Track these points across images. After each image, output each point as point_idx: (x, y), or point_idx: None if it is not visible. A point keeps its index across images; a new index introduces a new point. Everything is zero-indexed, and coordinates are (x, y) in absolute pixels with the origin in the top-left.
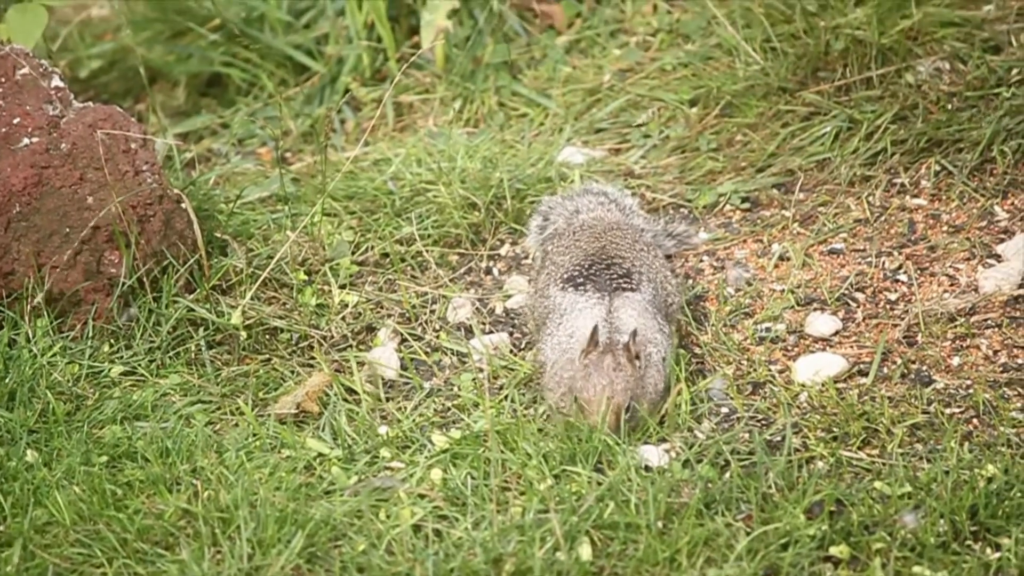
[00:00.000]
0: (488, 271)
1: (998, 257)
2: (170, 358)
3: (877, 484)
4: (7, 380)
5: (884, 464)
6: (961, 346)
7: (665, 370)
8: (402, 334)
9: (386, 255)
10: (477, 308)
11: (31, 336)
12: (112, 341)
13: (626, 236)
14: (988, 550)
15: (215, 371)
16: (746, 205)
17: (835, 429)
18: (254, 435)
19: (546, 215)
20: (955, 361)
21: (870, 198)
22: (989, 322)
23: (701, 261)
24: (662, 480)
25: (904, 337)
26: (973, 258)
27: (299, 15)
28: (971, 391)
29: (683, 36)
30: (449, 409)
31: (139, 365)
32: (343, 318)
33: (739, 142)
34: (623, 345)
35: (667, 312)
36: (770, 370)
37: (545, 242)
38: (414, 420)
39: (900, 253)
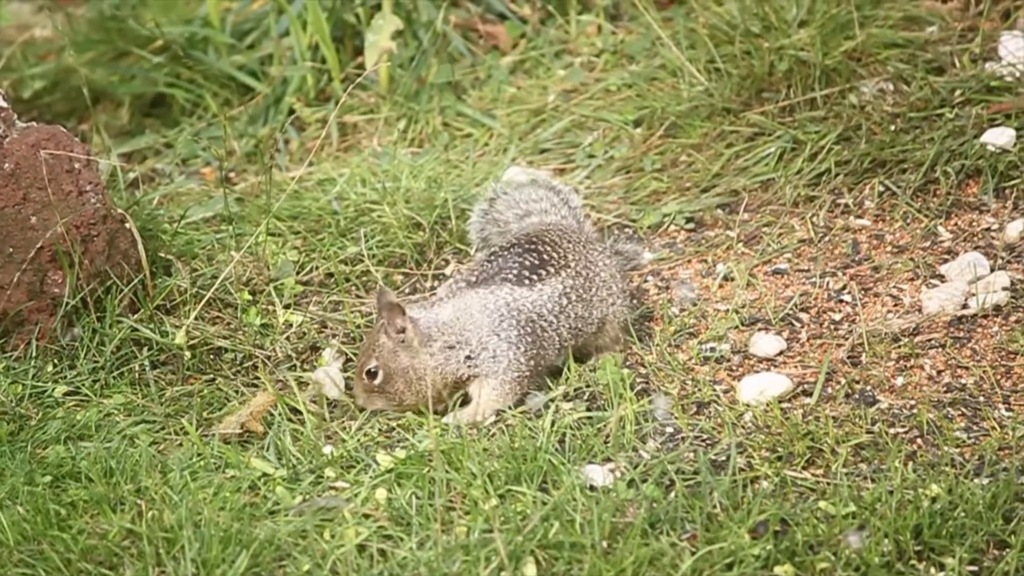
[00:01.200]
0: (433, 291)
1: (942, 277)
2: (114, 378)
3: (822, 504)
4: None
5: (828, 484)
6: (905, 366)
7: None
8: (347, 354)
9: (331, 275)
10: None
11: None
12: (56, 361)
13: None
14: (932, 570)
15: (159, 391)
16: (691, 225)
17: (780, 449)
18: (198, 455)
19: (492, 201)
20: (899, 381)
21: (814, 218)
22: (933, 342)
23: (646, 281)
24: (607, 500)
25: (848, 357)
26: (917, 278)
27: (243, 36)
28: (915, 411)
29: (627, 57)
30: (394, 429)
31: (83, 385)
32: (287, 338)
33: (684, 162)
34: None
35: (601, 322)
36: (715, 390)
37: (486, 228)
38: (359, 440)
39: (844, 273)
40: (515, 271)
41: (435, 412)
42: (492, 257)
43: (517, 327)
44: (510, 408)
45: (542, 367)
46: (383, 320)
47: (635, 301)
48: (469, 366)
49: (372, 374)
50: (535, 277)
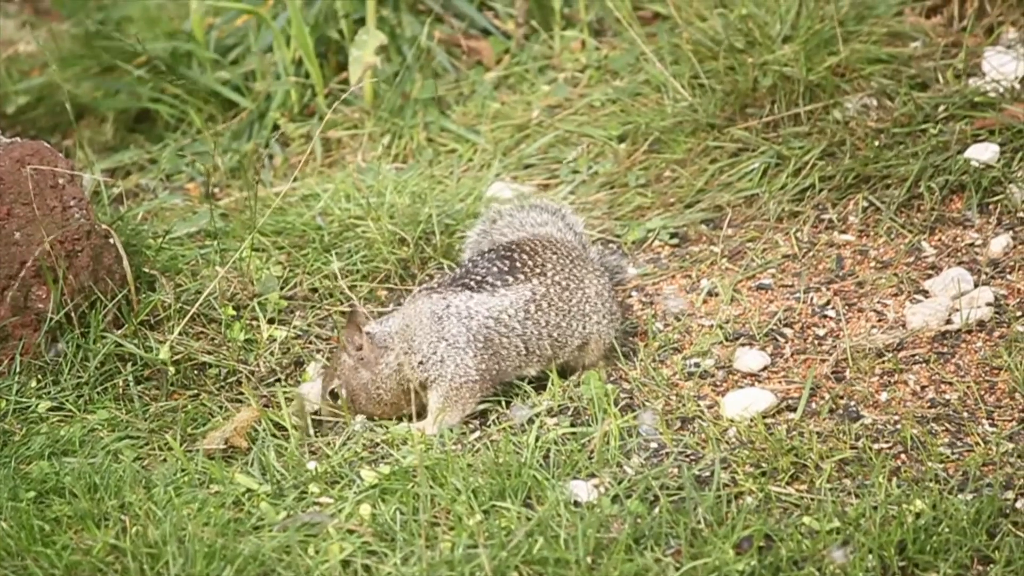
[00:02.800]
0: None
1: (925, 293)
2: (98, 393)
3: (806, 519)
4: None
5: (813, 499)
6: (889, 381)
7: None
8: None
9: (315, 290)
10: None
11: None
12: (39, 376)
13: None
14: None
15: (143, 406)
16: (675, 241)
17: (764, 464)
18: (182, 470)
19: (493, 220)
20: (883, 396)
21: (798, 234)
22: (917, 358)
23: (630, 296)
24: (591, 515)
25: (832, 372)
26: (901, 294)
27: (227, 51)
28: (899, 426)
29: (612, 72)
30: (378, 444)
31: (67, 400)
32: (272, 353)
33: (668, 178)
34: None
35: (585, 338)
36: (699, 405)
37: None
38: (343, 455)
39: (828, 289)
40: (478, 277)
41: (402, 419)
42: (464, 263)
43: (467, 332)
44: (465, 418)
45: (499, 373)
46: (343, 338)
47: (623, 323)
48: (422, 371)
49: (334, 395)
50: (499, 283)
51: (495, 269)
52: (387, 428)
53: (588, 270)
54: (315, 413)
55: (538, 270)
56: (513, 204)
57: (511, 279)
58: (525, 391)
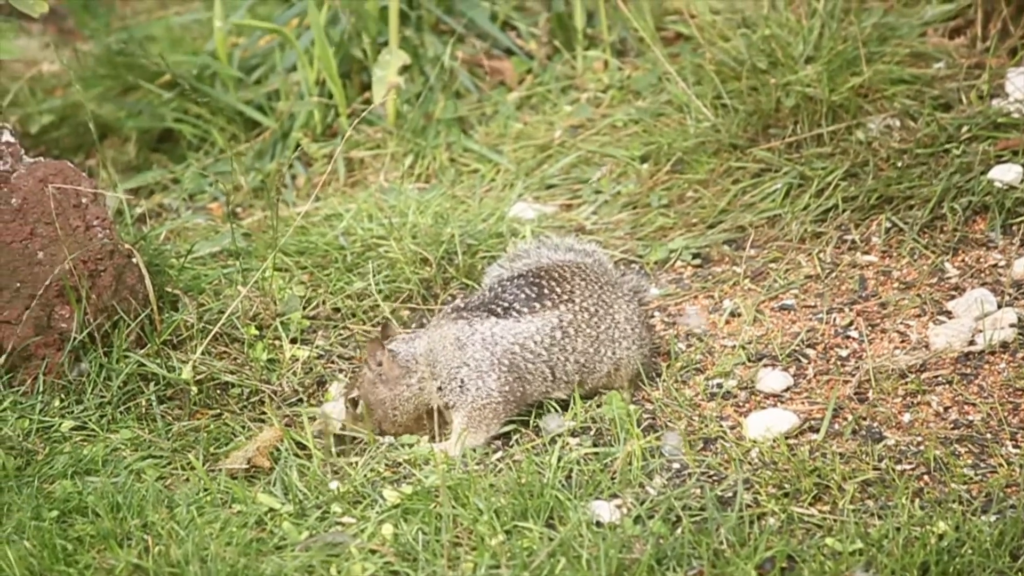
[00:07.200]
0: None
1: (949, 314)
2: (121, 413)
3: (828, 540)
4: None
5: (835, 520)
6: (912, 403)
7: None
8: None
9: (337, 310)
10: None
11: None
12: (63, 396)
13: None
14: None
15: (166, 426)
16: (697, 261)
17: (786, 485)
18: (205, 490)
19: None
20: (906, 418)
21: (821, 254)
22: (940, 379)
23: (652, 316)
24: (613, 536)
25: (855, 393)
26: (924, 315)
27: (250, 71)
28: (922, 448)
29: (634, 92)
30: (400, 464)
31: (90, 420)
32: (294, 373)
33: (690, 198)
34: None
35: (616, 364)
36: (721, 426)
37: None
38: (365, 475)
39: (851, 309)
40: (505, 303)
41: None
42: (492, 287)
43: (490, 356)
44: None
45: (524, 396)
46: (366, 352)
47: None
48: (441, 396)
49: (354, 402)
50: (525, 310)
51: (522, 296)
52: (409, 448)
53: (618, 295)
54: (339, 431)
55: (566, 296)
56: (542, 241)
57: (537, 306)
58: (555, 408)
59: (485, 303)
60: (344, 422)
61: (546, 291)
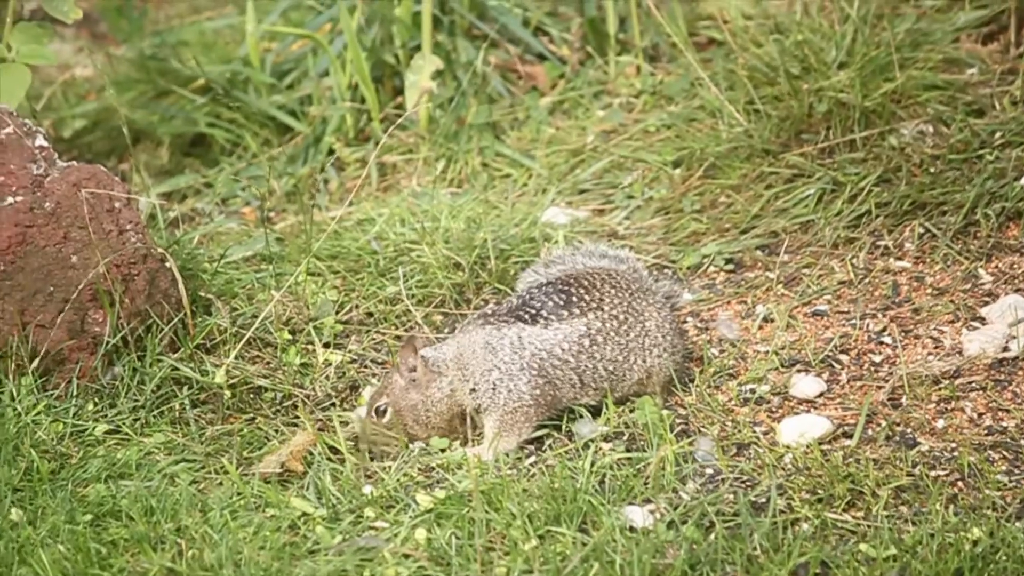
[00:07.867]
0: None
1: (982, 320)
2: (154, 417)
3: (862, 546)
4: None
5: (869, 526)
6: (946, 408)
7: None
8: None
9: (370, 314)
10: None
11: (15, 395)
12: (96, 400)
13: (615, 280)
14: None
15: (199, 430)
16: (730, 266)
17: (820, 491)
18: (238, 494)
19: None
20: (940, 423)
21: (854, 260)
22: (974, 385)
23: (685, 322)
24: (647, 541)
25: (889, 399)
26: (957, 320)
27: (283, 76)
28: (956, 454)
29: (666, 98)
30: (434, 468)
31: (123, 423)
32: (327, 377)
33: (723, 203)
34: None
35: (648, 372)
36: (755, 431)
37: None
38: (398, 479)
39: (884, 315)
40: (533, 310)
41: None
42: (521, 294)
43: (520, 360)
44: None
45: (554, 400)
46: (397, 359)
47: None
48: (474, 398)
49: (380, 412)
50: (553, 317)
51: (551, 303)
52: (443, 453)
53: (649, 302)
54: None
55: (594, 304)
56: (575, 247)
57: (566, 313)
58: (587, 413)
59: (513, 310)
60: (358, 429)
61: (575, 298)
